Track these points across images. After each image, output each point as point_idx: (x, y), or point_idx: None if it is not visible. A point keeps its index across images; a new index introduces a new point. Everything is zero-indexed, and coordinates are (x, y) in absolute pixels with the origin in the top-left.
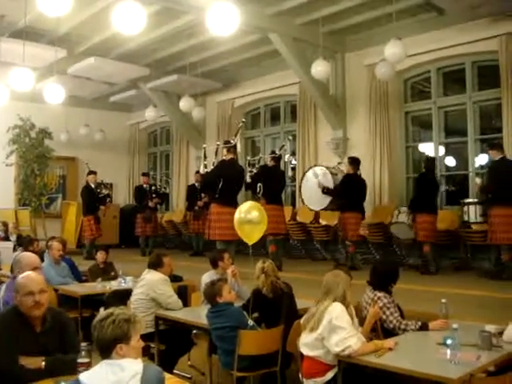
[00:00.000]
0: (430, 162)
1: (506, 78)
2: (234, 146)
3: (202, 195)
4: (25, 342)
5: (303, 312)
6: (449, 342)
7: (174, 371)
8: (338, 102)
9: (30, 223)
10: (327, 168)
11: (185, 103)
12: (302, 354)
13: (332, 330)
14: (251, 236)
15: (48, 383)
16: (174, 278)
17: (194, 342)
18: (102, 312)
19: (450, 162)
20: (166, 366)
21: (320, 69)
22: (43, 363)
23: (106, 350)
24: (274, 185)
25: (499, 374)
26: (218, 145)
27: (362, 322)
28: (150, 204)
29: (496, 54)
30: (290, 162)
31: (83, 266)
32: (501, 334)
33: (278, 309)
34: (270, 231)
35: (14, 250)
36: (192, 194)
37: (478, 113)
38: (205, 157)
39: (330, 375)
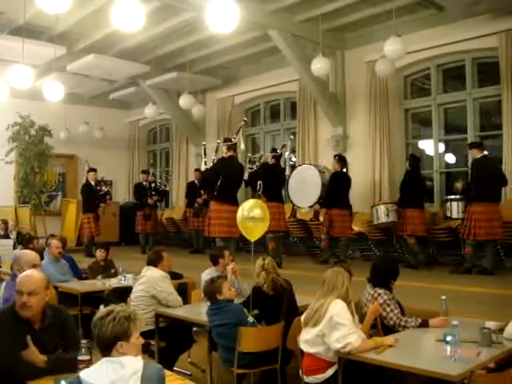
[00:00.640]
0: (415, 160)
1: (505, 74)
2: (234, 144)
3: (202, 192)
4: (22, 339)
5: (303, 309)
6: (449, 338)
7: (174, 368)
8: (337, 99)
9: (29, 221)
10: (315, 166)
11: (184, 100)
12: (302, 351)
13: (333, 326)
14: (254, 233)
15: (48, 381)
16: (174, 276)
17: (194, 339)
18: (102, 309)
19: (450, 158)
20: (166, 364)
21: (320, 66)
22: (45, 359)
23: (106, 347)
24: (274, 182)
25: (499, 371)
26: (218, 143)
27: (362, 319)
28: (150, 201)
29: (496, 51)
30: (290, 159)
31: (83, 263)
32: (501, 330)
33: (278, 306)
34: (270, 228)
35: (14, 247)
36: (192, 190)
37: (478, 110)
38: (205, 154)
39: (330, 372)
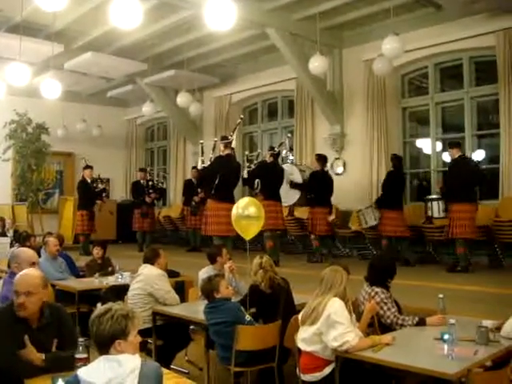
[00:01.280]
0: (398, 160)
1: (503, 73)
2: (231, 142)
3: (199, 190)
4: (20, 338)
5: (300, 307)
6: (446, 337)
7: (172, 366)
8: (335, 97)
9: (26, 219)
10: (295, 165)
11: (182, 98)
12: (299, 350)
13: (330, 324)
14: (248, 231)
15: (45, 379)
16: (171, 274)
17: (191, 338)
18: (100, 308)
19: (447, 157)
20: (163, 362)
21: (317, 64)
22: (43, 357)
23: (104, 345)
24: (272, 181)
25: (496, 369)
26: (215, 141)
27: (358, 318)
28: (148, 200)
29: (493, 50)
30: (288, 157)
31: (80, 261)
32: (498, 329)
33: (275, 304)
34: (268, 227)
35: (11, 245)
36: (189, 189)
37: (476, 108)
38: (202, 152)
39: (327, 370)
